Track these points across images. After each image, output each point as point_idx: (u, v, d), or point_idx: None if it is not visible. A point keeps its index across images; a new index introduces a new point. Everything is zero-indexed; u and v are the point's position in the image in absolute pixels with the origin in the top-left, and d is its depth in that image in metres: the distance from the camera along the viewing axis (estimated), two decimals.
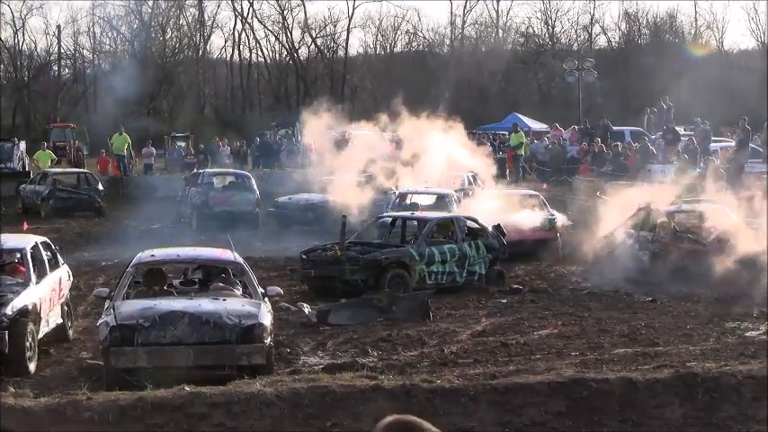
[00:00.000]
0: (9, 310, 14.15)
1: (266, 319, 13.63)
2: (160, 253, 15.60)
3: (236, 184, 33.02)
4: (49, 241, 17.06)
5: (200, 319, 13.28)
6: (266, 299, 14.39)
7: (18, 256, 15.97)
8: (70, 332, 16.71)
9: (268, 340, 13.47)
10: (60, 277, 16.65)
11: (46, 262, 16.04)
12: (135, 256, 15.29)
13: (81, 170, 39.79)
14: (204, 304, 13.68)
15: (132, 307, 13.66)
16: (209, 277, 15.44)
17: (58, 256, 17.06)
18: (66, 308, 16.60)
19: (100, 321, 13.86)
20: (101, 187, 36.21)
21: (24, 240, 16.51)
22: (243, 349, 13.20)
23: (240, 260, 14.99)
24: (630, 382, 12.08)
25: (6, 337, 13.99)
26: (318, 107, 31.49)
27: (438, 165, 29.00)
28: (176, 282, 15.72)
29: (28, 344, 14.34)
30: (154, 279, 14.96)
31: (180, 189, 34.41)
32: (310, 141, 39.22)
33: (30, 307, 14.63)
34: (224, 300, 13.98)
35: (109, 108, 58.54)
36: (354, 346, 16.25)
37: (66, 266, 17.30)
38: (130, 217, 34.62)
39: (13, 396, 11.55)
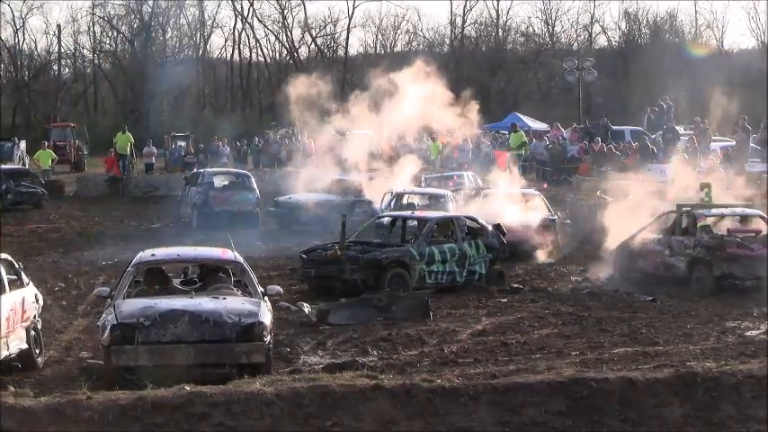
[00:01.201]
0: None
1: (266, 317, 13.68)
2: (160, 252, 15.55)
3: (236, 184, 32.99)
4: (11, 259, 15.36)
5: (201, 317, 13.32)
6: (266, 298, 14.42)
7: None
8: (39, 360, 15.06)
9: (268, 338, 13.51)
10: (24, 298, 15.03)
11: (5, 280, 14.50)
12: (135, 256, 15.26)
13: (17, 166, 40.66)
14: (204, 303, 13.71)
15: (133, 306, 13.67)
16: (210, 276, 15.45)
17: (23, 275, 15.49)
18: (33, 333, 15.03)
19: (101, 320, 13.86)
20: (43, 181, 38.12)
21: None
22: (242, 347, 13.26)
23: (240, 259, 14.99)
24: (630, 382, 12.07)
25: None
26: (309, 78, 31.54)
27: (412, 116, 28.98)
28: (177, 281, 15.69)
29: None
30: (154, 278, 15.00)
31: (180, 188, 34.44)
32: (310, 140, 39.36)
33: None
34: (224, 298, 14.02)
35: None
36: (354, 345, 16.26)
37: (32, 288, 15.71)
38: (131, 216, 34.69)
39: (14, 396, 11.54)
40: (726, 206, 22.62)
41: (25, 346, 14.71)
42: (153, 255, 15.17)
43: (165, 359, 13.10)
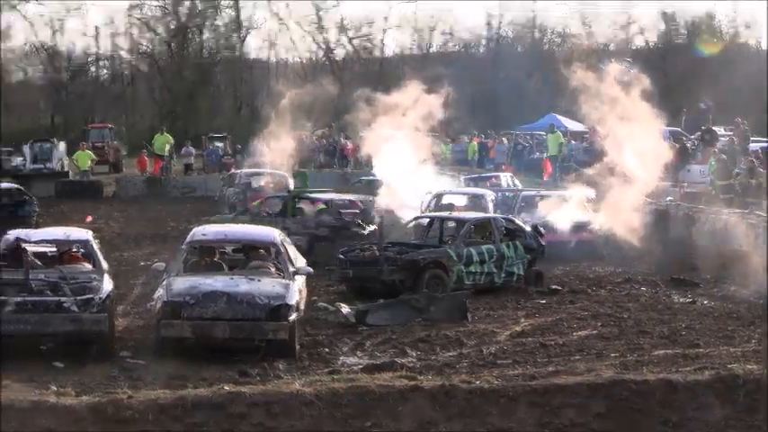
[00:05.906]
0: (103, 294, 15.34)
1: (293, 298, 15.62)
2: (210, 232, 17.85)
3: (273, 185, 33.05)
4: (93, 235, 17.58)
5: (236, 298, 15.40)
6: (296, 277, 16.39)
7: (81, 246, 16.96)
8: None
9: (292, 317, 15.38)
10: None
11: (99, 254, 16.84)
12: (190, 233, 17.39)
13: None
14: (241, 284, 15.72)
15: (182, 285, 15.73)
16: (254, 251, 17.36)
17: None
18: None
19: (156, 294, 16.06)
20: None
21: (84, 232, 17.56)
22: (270, 326, 15.24)
23: (278, 241, 17.05)
24: (670, 384, 12.03)
25: (106, 319, 15.11)
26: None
27: None
28: (230, 249, 18.26)
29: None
30: (205, 253, 17.22)
31: (217, 189, 34.58)
32: (347, 141, 39.41)
33: (112, 293, 15.84)
34: (258, 280, 15.93)
35: None
36: (393, 346, 16.26)
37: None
38: (169, 217, 34.88)
39: (55, 395, 11.65)
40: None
41: None
42: (204, 234, 17.47)
43: (204, 333, 15.29)
